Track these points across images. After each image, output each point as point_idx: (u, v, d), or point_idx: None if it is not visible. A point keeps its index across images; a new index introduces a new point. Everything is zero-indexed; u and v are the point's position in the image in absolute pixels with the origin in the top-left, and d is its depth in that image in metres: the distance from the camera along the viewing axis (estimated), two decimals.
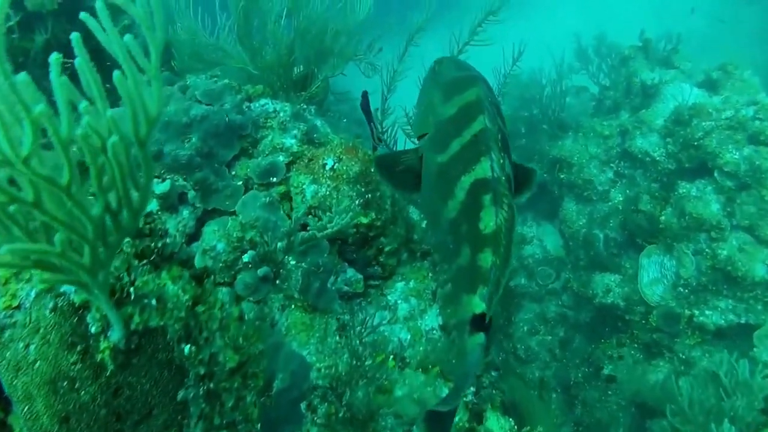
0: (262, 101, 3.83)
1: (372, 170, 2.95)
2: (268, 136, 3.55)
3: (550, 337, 5.63)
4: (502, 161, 1.82)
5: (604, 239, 5.22)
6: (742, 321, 4.62)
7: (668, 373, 4.82)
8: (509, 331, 5.95)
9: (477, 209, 1.78)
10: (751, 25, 8.27)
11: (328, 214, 2.66)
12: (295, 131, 3.58)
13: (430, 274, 3.41)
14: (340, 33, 4.08)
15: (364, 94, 2.96)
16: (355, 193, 2.90)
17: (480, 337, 1.77)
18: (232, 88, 3.83)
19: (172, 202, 2.99)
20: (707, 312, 4.70)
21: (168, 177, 3.02)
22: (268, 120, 3.72)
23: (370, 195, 2.93)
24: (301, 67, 4.16)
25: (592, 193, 5.39)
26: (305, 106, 4.12)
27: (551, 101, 5.68)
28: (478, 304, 1.77)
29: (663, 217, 4.78)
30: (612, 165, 5.38)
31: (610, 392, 5.11)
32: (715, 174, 4.61)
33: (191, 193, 3.07)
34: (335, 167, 2.96)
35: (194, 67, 4.15)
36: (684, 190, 4.72)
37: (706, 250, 4.55)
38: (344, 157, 2.99)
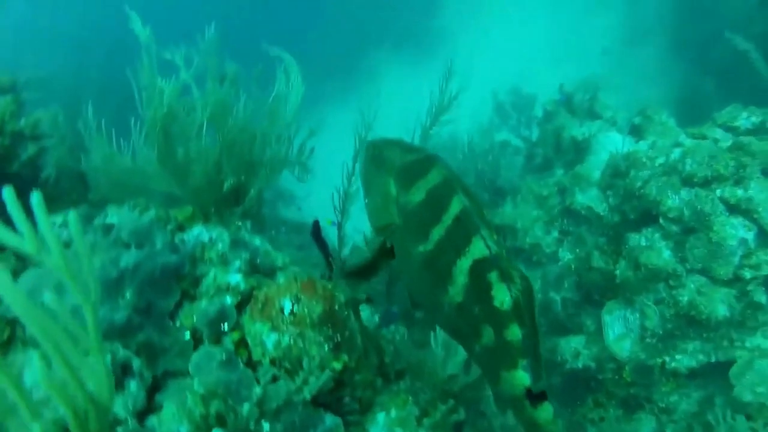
0: (195, 229, 3.49)
1: (336, 308, 2.68)
2: (209, 272, 3.21)
3: None
4: (495, 237, 1.81)
5: (561, 302, 5.14)
6: (713, 360, 4.61)
7: (655, 428, 4.75)
8: (480, 408, 5.72)
9: (486, 289, 1.75)
10: (642, 65, 8.74)
11: (301, 373, 2.35)
12: (237, 262, 3.27)
13: (410, 398, 3.14)
14: (268, 139, 3.84)
15: (315, 224, 2.71)
16: (323, 338, 2.61)
17: (547, 407, 1.74)
18: (161, 220, 3.48)
19: (116, 378, 2.59)
20: (677, 357, 4.67)
21: (107, 349, 2.62)
22: (206, 251, 3.39)
23: (339, 336, 2.65)
24: (232, 180, 3.87)
25: (541, 257, 5.33)
26: (240, 224, 3.83)
27: (485, 167, 5.64)
28: (523, 377, 1.74)
29: (618, 272, 4.76)
30: (556, 224, 5.36)
31: None
32: (661, 221, 4.65)
33: (136, 362, 2.68)
34: (295, 310, 2.67)
35: (113, 196, 3.77)
36: (634, 242, 4.73)
37: (667, 298, 4.54)
38: (302, 296, 2.70)
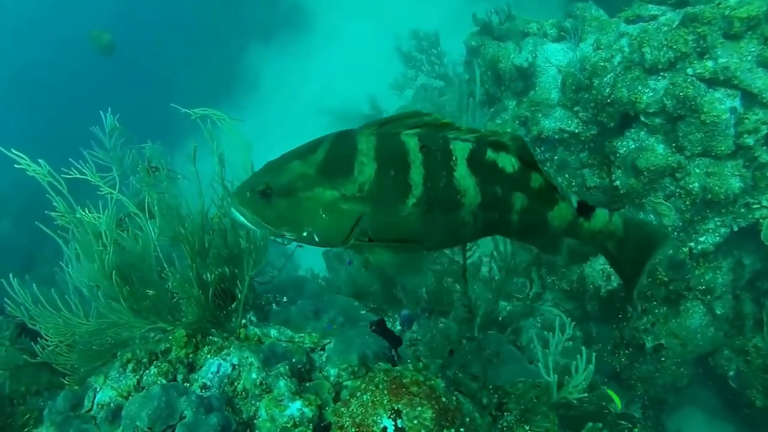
0: (210, 364, 2.94)
1: (444, 400, 2.25)
2: (259, 411, 2.70)
3: (570, 342, 5.30)
4: (466, 127, 1.80)
5: None
6: (735, 229, 4.55)
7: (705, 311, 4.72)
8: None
9: (491, 168, 1.79)
10: None
11: None
12: (282, 383, 2.75)
13: (526, 426, 2.82)
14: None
15: (381, 323, 2.25)
16: None
17: (601, 212, 1.91)
18: (167, 374, 2.87)
19: None
20: (701, 239, 4.59)
21: None
22: (237, 383, 2.84)
23: (462, 429, 2.24)
24: (216, 280, 3.25)
25: None
26: (244, 321, 3.28)
27: None
28: (568, 203, 1.87)
29: (617, 182, 4.55)
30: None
31: (663, 359, 4.91)
32: (642, 118, 4.42)
33: None
34: (401, 426, 2.21)
35: (88, 365, 3.08)
36: (623, 148, 4.50)
37: (677, 191, 4.38)
38: (400, 406, 2.24)
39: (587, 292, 5.02)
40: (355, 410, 2.39)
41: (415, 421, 2.22)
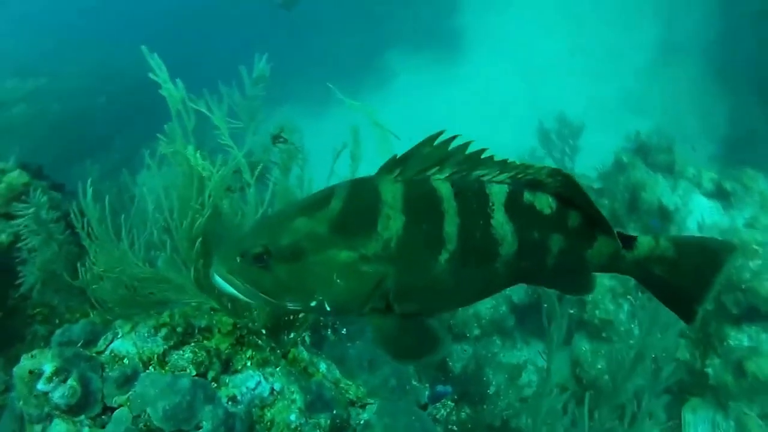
0: (248, 375, 2.57)
1: None
2: None
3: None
4: (503, 165, 1.61)
5: (634, 394, 4.45)
6: None
7: None
8: None
9: (529, 212, 1.63)
10: (678, 89, 8.01)
11: None
12: None
13: None
14: None
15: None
16: None
17: (643, 239, 1.68)
18: (200, 364, 2.51)
19: None
20: None
21: None
22: (267, 411, 2.47)
23: None
24: None
25: (611, 333, 4.62)
26: (298, 339, 2.92)
27: None
28: (609, 236, 1.66)
29: (710, 370, 4.09)
30: (629, 297, 4.62)
31: None
32: None
33: None
34: None
35: (125, 314, 2.74)
36: (735, 341, 4.06)
37: None
38: None
39: None
40: None
41: None
